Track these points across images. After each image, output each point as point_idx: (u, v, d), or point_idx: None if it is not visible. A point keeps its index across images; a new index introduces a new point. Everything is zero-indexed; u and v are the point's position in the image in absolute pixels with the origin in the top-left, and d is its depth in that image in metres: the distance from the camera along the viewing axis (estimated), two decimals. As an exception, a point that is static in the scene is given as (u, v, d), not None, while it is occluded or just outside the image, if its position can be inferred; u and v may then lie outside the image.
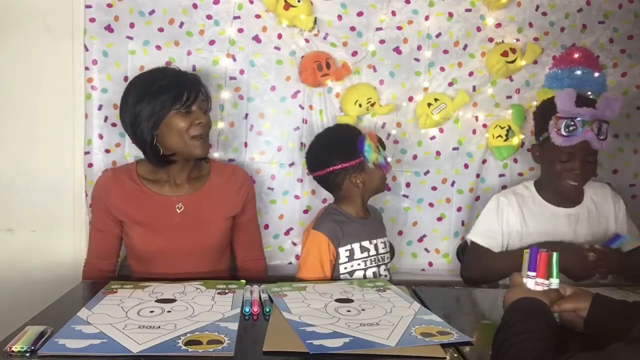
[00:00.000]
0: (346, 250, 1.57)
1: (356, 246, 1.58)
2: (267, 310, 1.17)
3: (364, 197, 1.64)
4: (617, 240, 1.60)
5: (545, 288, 1.10)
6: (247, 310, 1.17)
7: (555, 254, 1.12)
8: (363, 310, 1.18)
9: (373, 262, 1.60)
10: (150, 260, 1.51)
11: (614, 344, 0.77)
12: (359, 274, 1.57)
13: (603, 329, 1.01)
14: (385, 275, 1.61)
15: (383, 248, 1.64)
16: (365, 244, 1.59)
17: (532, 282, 1.12)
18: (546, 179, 1.72)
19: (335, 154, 1.59)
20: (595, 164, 1.62)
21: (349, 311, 1.17)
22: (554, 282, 1.11)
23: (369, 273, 1.58)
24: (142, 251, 1.51)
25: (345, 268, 1.57)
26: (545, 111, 1.62)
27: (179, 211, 1.51)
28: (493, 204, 1.73)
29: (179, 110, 1.42)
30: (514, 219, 1.69)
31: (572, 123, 1.52)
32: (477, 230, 1.74)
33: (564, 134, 1.53)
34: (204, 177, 1.58)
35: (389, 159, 1.71)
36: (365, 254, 1.59)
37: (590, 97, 1.71)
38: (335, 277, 1.56)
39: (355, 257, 1.57)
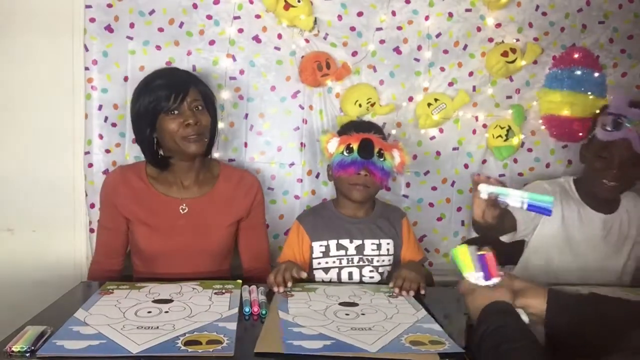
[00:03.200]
0: (321, 246, 1.55)
1: (332, 243, 1.54)
2: (264, 312, 1.16)
3: (346, 196, 1.55)
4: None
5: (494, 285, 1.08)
6: (247, 310, 1.17)
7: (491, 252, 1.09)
8: (363, 314, 1.17)
9: (351, 262, 1.52)
10: (152, 260, 1.52)
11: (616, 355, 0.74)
12: (333, 272, 1.52)
13: (568, 333, 0.98)
14: (372, 277, 1.52)
15: (373, 250, 1.55)
16: (344, 242, 1.54)
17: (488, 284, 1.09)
18: (585, 177, 1.68)
19: None
20: (637, 170, 1.56)
21: (347, 315, 1.17)
22: (495, 280, 1.08)
23: (344, 273, 1.52)
24: (145, 250, 1.51)
25: (319, 263, 1.54)
26: (600, 111, 1.62)
27: (182, 212, 1.52)
28: (535, 188, 1.63)
29: (168, 113, 1.44)
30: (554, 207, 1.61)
31: (619, 119, 1.52)
32: None
33: (608, 129, 1.53)
34: (212, 181, 1.58)
35: (388, 181, 1.54)
36: (342, 252, 1.54)
37: None
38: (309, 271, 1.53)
39: (331, 254, 1.54)
